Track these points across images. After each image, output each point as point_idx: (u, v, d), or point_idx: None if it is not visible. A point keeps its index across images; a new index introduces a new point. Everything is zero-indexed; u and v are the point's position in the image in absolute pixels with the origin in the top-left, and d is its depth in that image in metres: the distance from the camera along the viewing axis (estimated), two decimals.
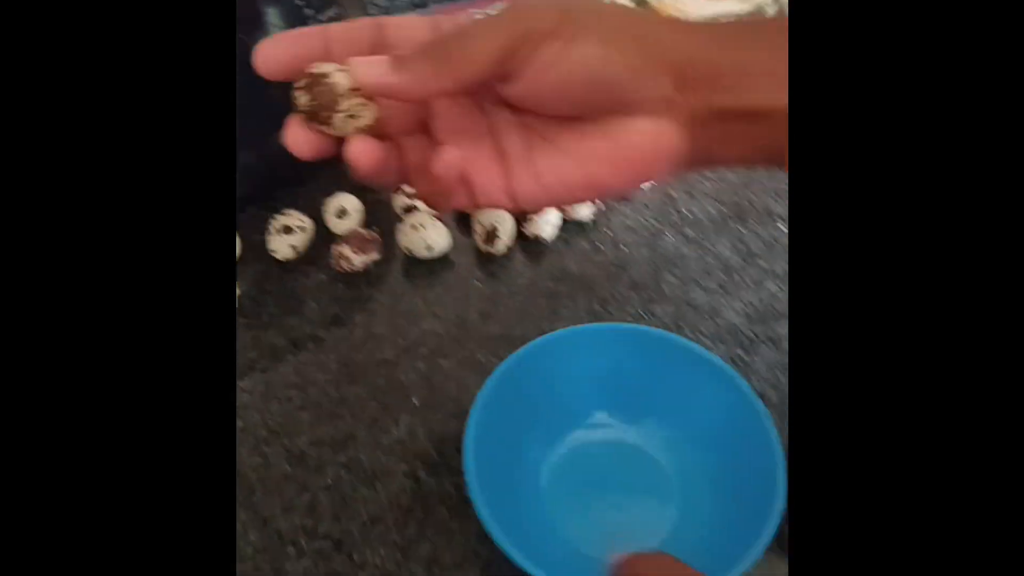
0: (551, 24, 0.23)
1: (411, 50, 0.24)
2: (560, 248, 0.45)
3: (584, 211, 0.46)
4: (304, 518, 0.35)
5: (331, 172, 0.50)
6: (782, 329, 0.41)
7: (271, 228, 0.44)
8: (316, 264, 0.45)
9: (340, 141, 0.24)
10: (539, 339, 0.35)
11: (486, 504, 0.30)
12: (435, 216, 0.45)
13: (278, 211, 0.45)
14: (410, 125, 0.26)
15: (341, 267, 0.43)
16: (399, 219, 0.45)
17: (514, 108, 0.26)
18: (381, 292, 0.44)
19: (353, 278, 0.44)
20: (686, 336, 0.41)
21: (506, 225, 0.44)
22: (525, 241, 0.45)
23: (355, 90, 0.23)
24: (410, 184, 0.27)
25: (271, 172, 0.47)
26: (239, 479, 0.36)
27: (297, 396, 0.39)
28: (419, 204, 0.46)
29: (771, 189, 0.48)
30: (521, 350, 0.35)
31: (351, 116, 0.23)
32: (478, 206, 0.28)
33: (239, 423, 0.38)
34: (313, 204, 0.47)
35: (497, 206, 0.28)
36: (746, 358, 0.39)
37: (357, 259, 0.43)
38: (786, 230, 0.46)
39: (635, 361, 0.36)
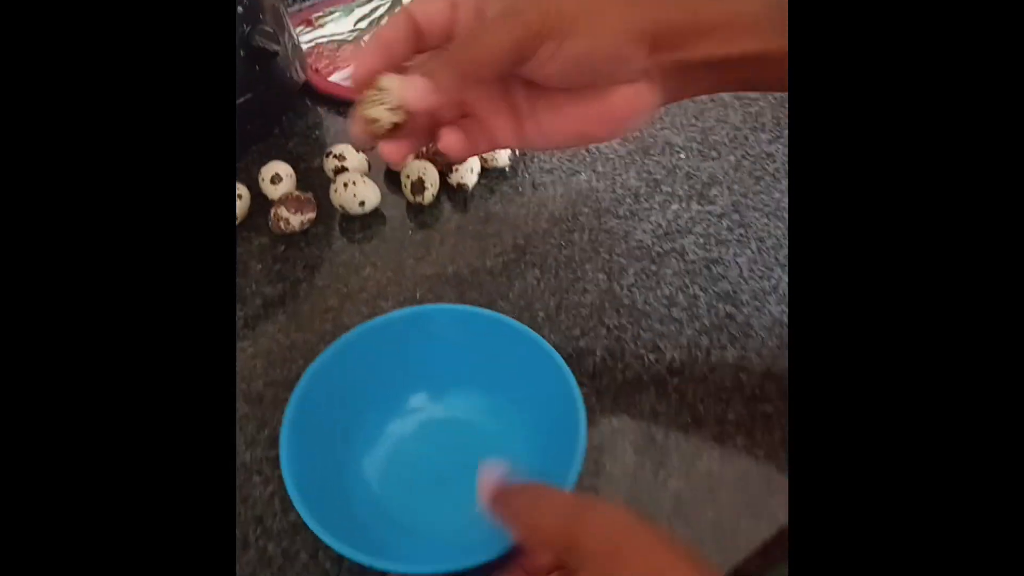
0: (548, 25, 0.29)
1: (434, 59, 0.30)
2: (483, 194, 0.49)
3: (502, 159, 0.50)
4: (266, 450, 0.38)
5: (263, 144, 0.53)
6: (684, 241, 0.45)
7: None
8: (256, 230, 0.48)
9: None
10: (338, 342, 0.36)
11: (322, 527, 0.30)
12: (364, 174, 0.48)
13: None
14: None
15: (280, 228, 0.46)
16: (331, 180, 0.48)
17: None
18: (320, 249, 0.47)
19: (292, 238, 0.47)
20: (602, 257, 0.45)
21: (432, 176, 0.48)
22: (450, 190, 0.49)
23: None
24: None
25: None
26: None
27: (249, 347, 0.42)
28: (348, 164, 0.49)
29: (670, 124, 0.53)
30: (319, 359, 0.35)
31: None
32: (494, 149, 0.34)
33: None
34: (248, 174, 0.50)
35: (509, 148, 0.35)
36: (656, 270, 0.44)
37: (295, 219, 0.46)
38: (684, 157, 0.50)
39: (444, 339, 0.37)
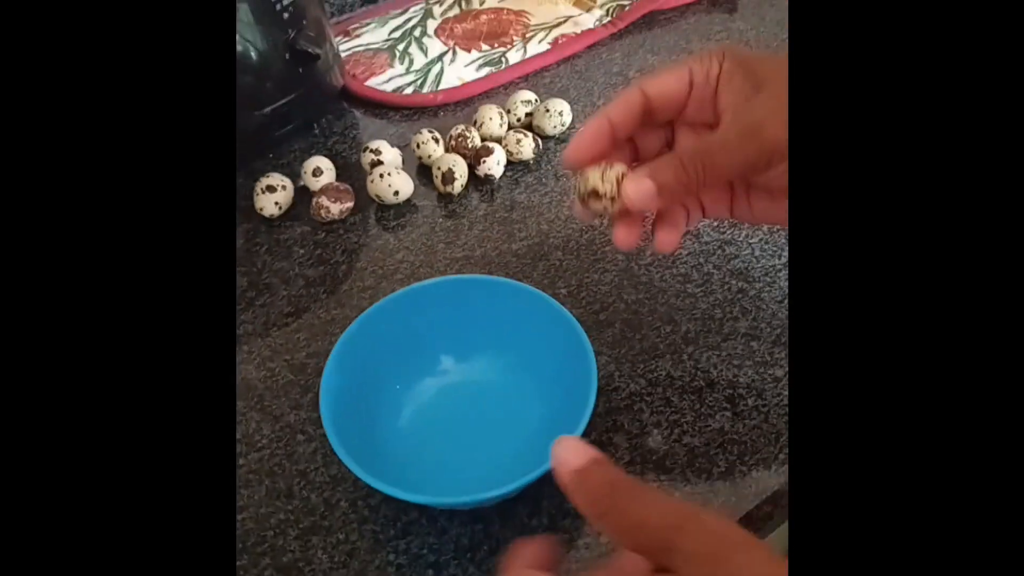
0: (783, 149, 0.30)
1: (665, 163, 0.31)
2: (509, 185, 0.52)
3: (527, 153, 0.53)
4: (309, 412, 0.41)
5: (304, 143, 0.57)
6: (699, 225, 0.48)
7: (257, 189, 0.51)
8: (298, 219, 0.51)
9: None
10: (372, 308, 0.39)
11: (359, 466, 0.32)
12: (398, 167, 0.51)
13: (263, 174, 0.51)
14: None
15: (321, 216, 0.50)
16: (367, 174, 0.52)
17: None
18: (358, 235, 0.50)
19: (332, 226, 0.51)
20: None
21: (461, 168, 0.51)
22: (478, 181, 0.52)
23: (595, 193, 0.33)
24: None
25: (245, 146, 0.54)
26: (249, 391, 0.42)
27: (293, 322, 0.45)
28: (383, 158, 0.52)
29: None
30: (356, 322, 0.38)
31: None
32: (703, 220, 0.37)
33: (245, 348, 0.44)
34: (291, 169, 0.53)
35: (721, 218, 0.42)
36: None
37: (335, 207, 0.50)
38: None
39: (474, 306, 0.40)
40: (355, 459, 0.33)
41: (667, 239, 0.34)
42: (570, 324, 0.37)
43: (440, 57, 0.63)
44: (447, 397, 0.39)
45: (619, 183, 0.32)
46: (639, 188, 0.31)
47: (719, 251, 0.46)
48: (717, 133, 0.32)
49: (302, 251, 0.49)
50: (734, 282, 0.44)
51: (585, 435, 0.33)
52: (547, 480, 0.33)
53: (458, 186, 0.51)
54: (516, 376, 0.39)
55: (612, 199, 0.32)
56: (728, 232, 0.47)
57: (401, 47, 0.64)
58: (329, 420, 0.34)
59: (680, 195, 0.32)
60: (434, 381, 0.40)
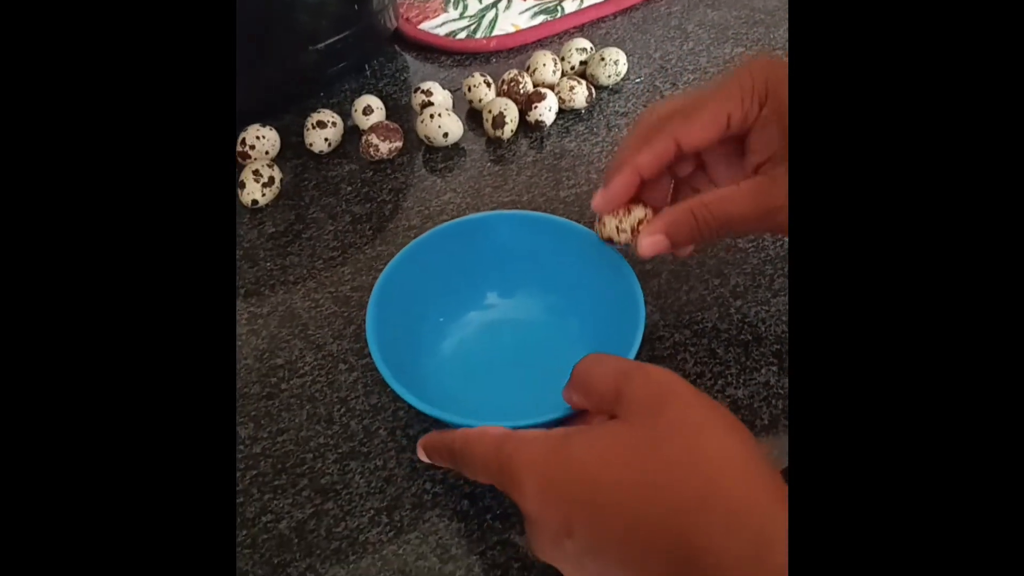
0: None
1: (682, 226, 0.33)
2: (559, 133, 0.52)
3: (579, 101, 0.52)
4: (351, 343, 0.41)
5: (355, 83, 0.57)
6: None
7: (307, 124, 0.51)
8: (347, 157, 0.51)
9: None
10: (431, 231, 0.39)
11: (402, 386, 0.33)
12: (448, 109, 0.51)
13: (313, 111, 0.51)
14: None
15: (369, 154, 0.50)
16: (417, 115, 0.51)
17: None
18: (405, 175, 0.50)
19: (380, 165, 0.50)
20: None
21: (512, 112, 0.50)
22: (528, 127, 0.51)
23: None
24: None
25: (298, 82, 0.54)
26: (294, 320, 0.42)
27: (338, 256, 0.46)
28: (434, 100, 0.52)
29: None
30: (411, 244, 0.38)
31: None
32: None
33: (290, 279, 0.44)
34: (341, 108, 0.53)
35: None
36: None
37: (384, 146, 0.49)
38: None
39: (523, 242, 0.39)
40: (399, 381, 0.33)
41: (686, 248, 0.37)
42: (620, 266, 0.36)
43: (495, 3, 0.62)
44: (490, 332, 0.39)
45: (635, 231, 0.35)
46: (654, 243, 0.33)
47: None
48: (737, 198, 0.32)
49: (349, 188, 0.49)
50: (787, 240, 0.43)
51: None
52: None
53: (508, 131, 0.50)
54: (561, 316, 0.39)
55: (628, 243, 0.35)
56: None
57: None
58: (374, 343, 0.34)
59: (689, 245, 0.34)
60: (478, 315, 0.40)
